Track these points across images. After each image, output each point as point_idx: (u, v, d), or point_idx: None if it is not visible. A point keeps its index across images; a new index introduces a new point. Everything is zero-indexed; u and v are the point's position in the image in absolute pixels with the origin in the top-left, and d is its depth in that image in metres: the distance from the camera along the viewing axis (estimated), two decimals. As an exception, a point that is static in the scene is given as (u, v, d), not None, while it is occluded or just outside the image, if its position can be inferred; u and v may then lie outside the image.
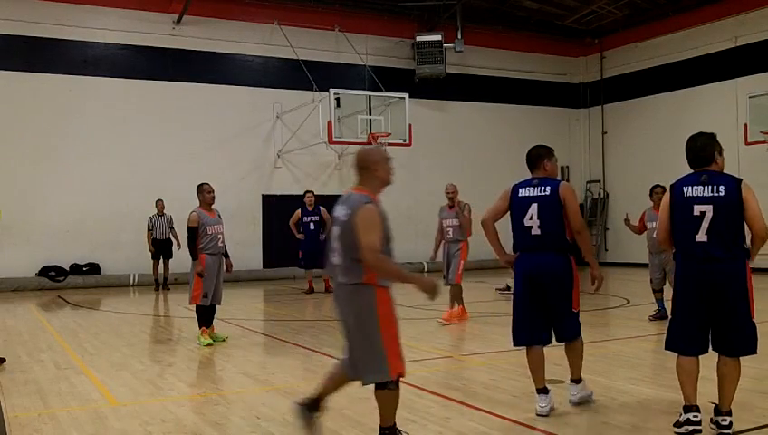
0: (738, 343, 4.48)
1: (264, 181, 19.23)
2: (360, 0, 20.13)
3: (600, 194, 23.32)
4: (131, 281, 17.07)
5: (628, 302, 12.26)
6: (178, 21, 18.20)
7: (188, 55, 18.42)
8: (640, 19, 21.59)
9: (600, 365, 6.98)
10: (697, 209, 4.50)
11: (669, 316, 4.80)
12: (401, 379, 4.36)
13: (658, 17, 21.07)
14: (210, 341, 8.45)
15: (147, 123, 17.82)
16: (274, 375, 6.87)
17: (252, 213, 18.91)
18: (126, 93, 17.66)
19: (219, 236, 8.55)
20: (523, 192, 5.23)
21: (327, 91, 16.52)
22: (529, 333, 5.19)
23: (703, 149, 4.63)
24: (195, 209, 8.57)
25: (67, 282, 16.64)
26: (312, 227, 14.51)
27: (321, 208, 14.64)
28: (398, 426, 4.37)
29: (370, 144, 16.61)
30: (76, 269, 16.94)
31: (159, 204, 16.08)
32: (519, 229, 5.24)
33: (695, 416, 4.47)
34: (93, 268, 17.15)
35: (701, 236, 4.48)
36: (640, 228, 10.04)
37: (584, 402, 5.37)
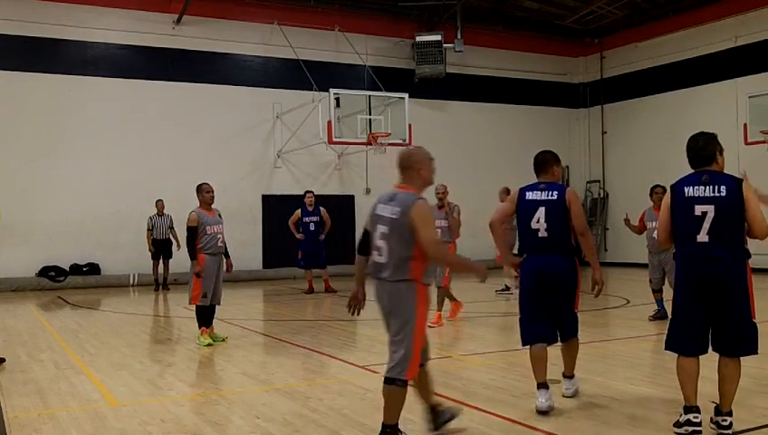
0: (739, 343, 4.48)
1: (264, 181, 19.23)
2: (360, 0, 20.13)
3: (599, 194, 23.32)
4: (131, 281, 17.07)
5: (628, 302, 12.26)
6: (178, 21, 18.20)
7: (188, 55, 18.42)
8: (640, 19, 21.59)
9: (600, 365, 6.98)
10: (699, 209, 4.49)
11: (669, 316, 4.80)
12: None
13: (658, 17, 21.07)
14: (210, 341, 8.44)
15: (147, 123, 17.82)
16: (274, 375, 6.87)
17: (252, 213, 18.91)
18: (126, 93, 17.65)
19: (219, 236, 8.54)
20: (530, 195, 5.37)
21: (327, 91, 16.50)
22: (535, 331, 5.32)
23: (704, 149, 4.62)
24: (194, 209, 8.57)
25: (67, 282, 16.64)
26: (312, 227, 14.50)
27: (321, 209, 14.64)
28: (399, 427, 4.39)
29: (370, 144, 16.63)
30: (76, 269, 16.94)
31: (159, 204, 16.08)
32: (526, 232, 5.39)
33: (695, 416, 4.47)
34: (93, 268, 17.15)
35: (702, 237, 4.48)
36: (640, 228, 10.03)
37: (575, 395, 5.56)
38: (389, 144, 16.63)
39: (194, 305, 8.60)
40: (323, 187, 19.27)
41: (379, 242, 4.37)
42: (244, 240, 17.69)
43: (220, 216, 8.72)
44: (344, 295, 14.33)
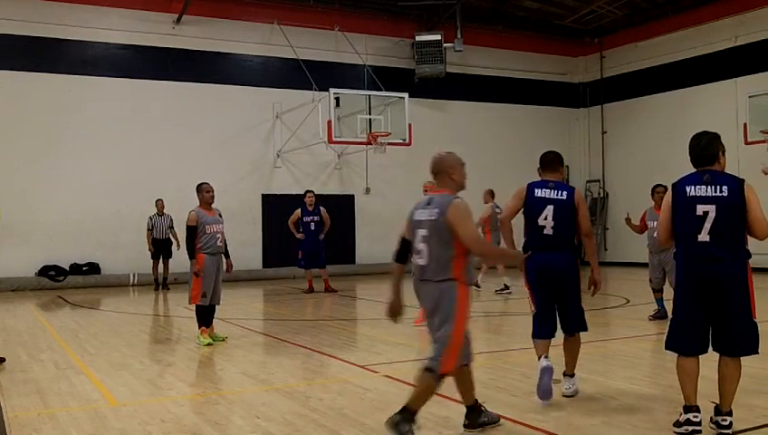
0: (739, 343, 4.48)
1: (264, 181, 19.23)
2: (360, 0, 20.12)
3: (599, 193, 23.32)
4: (131, 281, 17.08)
5: (628, 301, 12.26)
6: (178, 21, 18.20)
7: (189, 55, 18.42)
8: (640, 19, 21.60)
9: (600, 365, 6.98)
10: (700, 209, 4.49)
11: (669, 316, 4.80)
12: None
13: (658, 17, 21.08)
14: (210, 340, 8.44)
15: (147, 123, 17.82)
16: (274, 375, 6.87)
17: (252, 213, 18.91)
18: (126, 93, 17.66)
19: (218, 235, 8.53)
20: (539, 193, 5.50)
21: (327, 90, 16.51)
22: (547, 326, 5.53)
23: (707, 148, 4.62)
24: (194, 208, 8.56)
25: (67, 282, 16.64)
26: (312, 227, 14.49)
27: (322, 208, 14.63)
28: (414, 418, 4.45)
29: (370, 144, 16.63)
30: (76, 269, 16.94)
31: (159, 204, 16.08)
32: (532, 228, 5.53)
33: (695, 416, 4.47)
34: (93, 268, 17.16)
35: (703, 236, 4.48)
36: (641, 228, 10.03)
37: (575, 395, 5.59)
38: (389, 144, 16.64)
39: (194, 305, 8.59)
40: (323, 186, 19.27)
41: (420, 245, 4.52)
42: (244, 240, 17.69)
43: (220, 215, 8.70)
44: (344, 295, 14.35)
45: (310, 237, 14.50)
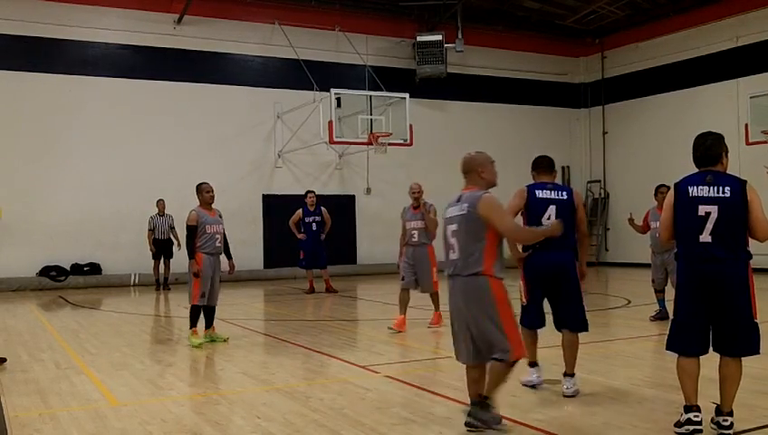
0: (740, 343, 4.48)
1: (265, 181, 19.23)
2: (361, 0, 20.13)
3: (600, 194, 23.32)
4: (132, 281, 17.08)
5: (630, 302, 12.25)
6: (179, 21, 18.20)
7: (189, 55, 18.42)
8: (641, 19, 21.59)
9: (601, 365, 6.97)
10: (702, 210, 4.49)
11: (670, 317, 4.79)
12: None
13: (659, 17, 21.07)
14: (201, 341, 8.32)
15: (147, 123, 17.82)
16: (275, 375, 6.86)
17: (252, 213, 18.91)
18: (126, 93, 17.66)
19: (218, 236, 8.50)
20: (540, 194, 5.68)
21: (328, 90, 16.50)
22: (537, 317, 5.76)
23: (711, 149, 4.62)
24: (194, 208, 8.54)
25: (68, 282, 16.65)
26: (314, 227, 14.49)
27: (323, 209, 14.63)
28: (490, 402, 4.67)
29: (371, 144, 16.62)
30: (77, 269, 16.95)
31: (160, 204, 16.08)
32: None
33: (695, 416, 4.47)
34: (94, 268, 17.16)
35: (705, 237, 4.47)
36: (644, 228, 10.02)
37: (576, 395, 5.60)
38: (390, 144, 16.64)
39: (203, 304, 8.52)
40: (324, 187, 19.27)
41: (452, 240, 4.71)
42: (244, 240, 17.68)
43: (220, 216, 8.67)
44: (345, 296, 14.35)
45: (311, 238, 14.50)
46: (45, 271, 16.63)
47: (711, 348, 4.57)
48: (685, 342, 4.57)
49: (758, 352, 4.52)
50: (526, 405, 5.39)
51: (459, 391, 5.88)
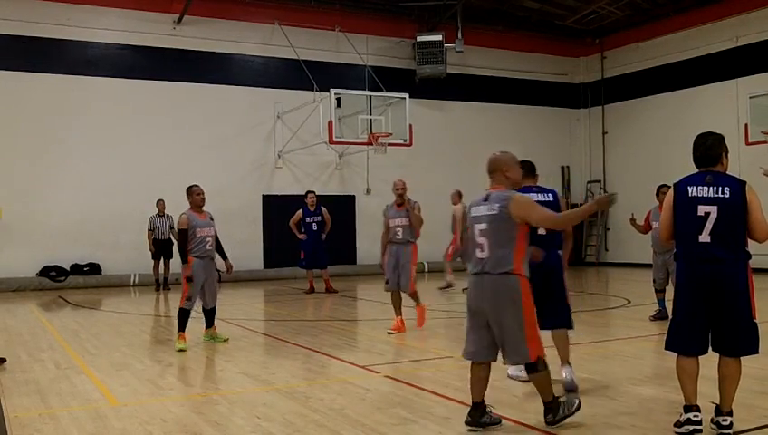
0: (740, 343, 4.48)
1: (265, 181, 19.23)
2: (361, 0, 20.13)
3: (600, 194, 23.30)
4: (132, 281, 17.09)
5: (629, 302, 12.25)
6: (179, 21, 18.20)
7: (189, 55, 18.42)
8: (641, 19, 21.59)
9: (601, 365, 6.98)
10: (702, 210, 4.49)
11: (670, 317, 4.80)
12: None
13: (659, 17, 21.07)
14: (183, 346, 8.08)
15: (147, 123, 17.83)
16: (275, 375, 6.86)
17: (252, 213, 18.91)
18: (126, 93, 17.66)
19: (208, 239, 8.33)
20: (532, 197, 5.65)
21: (327, 91, 16.51)
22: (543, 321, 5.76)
23: (711, 149, 4.63)
24: (185, 211, 8.39)
25: (68, 282, 16.65)
26: (314, 227, 14.50)
27: (323, 209, 14.64)
28: (558, 399, 4.79)
29: (371, 144, 16.63)
30: (77, 269, 16.95)
31: (160, 204, 16.08)
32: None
33: (695, 416, 4.47)
34: (94, 268, 17.16)
35: (704, 237, 4.48)
36: (645, 228, 10.02)
37: (573, 385, 5.73)
38: (390, 144, 16.64)
39: (190, 308, 8.47)
40: (324, 187, 19.27)
41: (480, 239, 4.73)
42: (244, 240, 17.71)
43: (212, 218, 8.52)
44: (345, 296, 14.35)
45: (311, 238, 14.51)
46: (45, 271, 16.63)
47: (710, 348, 4.58)
48: (684, 341, 4.57)
49: (757, 352, 4.53)
50: (526, 405, 5.39)
51: (459, 391, 5.88)
